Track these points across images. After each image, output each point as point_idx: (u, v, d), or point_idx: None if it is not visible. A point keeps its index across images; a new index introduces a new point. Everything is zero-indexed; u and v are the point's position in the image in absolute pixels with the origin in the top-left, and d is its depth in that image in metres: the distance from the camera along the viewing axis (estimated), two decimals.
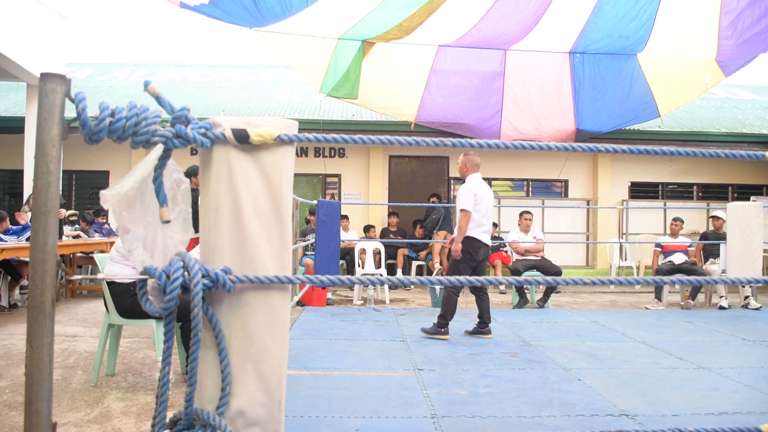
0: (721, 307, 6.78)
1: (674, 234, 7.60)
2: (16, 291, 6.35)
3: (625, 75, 7.98)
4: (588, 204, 10.53)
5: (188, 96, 10.85)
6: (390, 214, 9.60)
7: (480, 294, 4.97)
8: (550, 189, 10.78)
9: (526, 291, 7.02)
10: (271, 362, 1.49)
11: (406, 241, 8.60)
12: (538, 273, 6.94)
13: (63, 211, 6.21)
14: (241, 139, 1.45)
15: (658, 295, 7.11)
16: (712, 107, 11.42)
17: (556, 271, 6.89)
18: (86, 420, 2.81)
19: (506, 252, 9.03)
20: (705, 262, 7.67)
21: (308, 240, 6.96)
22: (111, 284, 3.39)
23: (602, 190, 10.45)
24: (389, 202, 10.03)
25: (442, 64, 7.86)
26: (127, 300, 3.37)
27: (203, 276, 1.43)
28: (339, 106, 9.57)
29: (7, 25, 6.75)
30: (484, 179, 10.65)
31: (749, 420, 2.85)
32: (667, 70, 7.84)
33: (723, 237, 6.79)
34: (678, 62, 7.70)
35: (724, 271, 6.64)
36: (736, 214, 5.83)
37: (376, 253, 8.08)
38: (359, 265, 7.82)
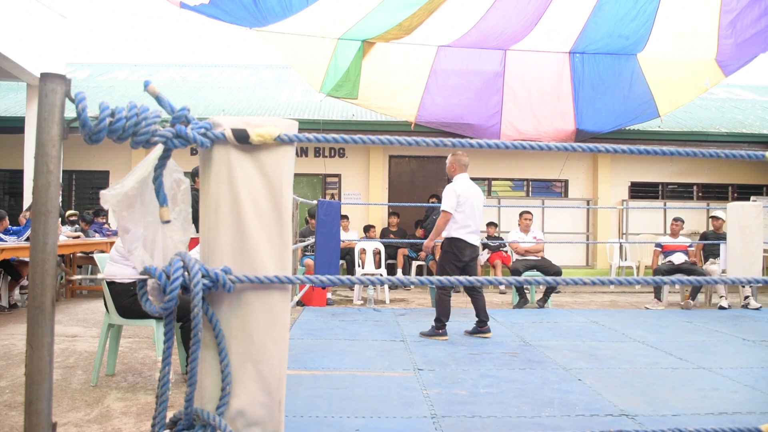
0: (721, 307, 6.78)
1: (674, 234, 7.60)
2: (16, 291, 6.35)
3: (625, 75, 7.98)
4: (588, 204, 10.53)
5: (188, 96, 10.85)
6: (390, 214, 9.60)
7: (474, 294, 4.97)
8: (550, 189, 10.78)
9: (526, 291, 7.02)
10: (271, 362, 1.49)
11: (406, 241, 8.60)
12: (538, 273, 6.94)
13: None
14: (241, 139, 1.45)
15: (658, 295, 7.12)
16: (712, 107, 11.42)
17: (556, 271, 6.89)
18: (86, 420, 2.81)
19: (506, 252, 9.03)
20: (705, 262, 7.67)
21: (308, 240, 6.96)
22: (111, 284, 3.39)
23: (602, 190, 10.45)
24: (389, 202, 10.03)
25: (442, 64, 7.86)
26: (127, 300, 3.37)
27: (203, 276, 1.43)
28: (339, 106, 9.57)
29: (7, 25, 6.75)
30: (485, 179, 10.60)
31: (749, 420, 2.85)
32: (667, 70, 7.85)
33: (723, 237, 6.79)
34: (678, 62, 7.70)
35: (724, 271, 6.64)
36: (736, 214, 5.83)
37: (376, 253, 8.08)
38: (359, 265, 7.82)
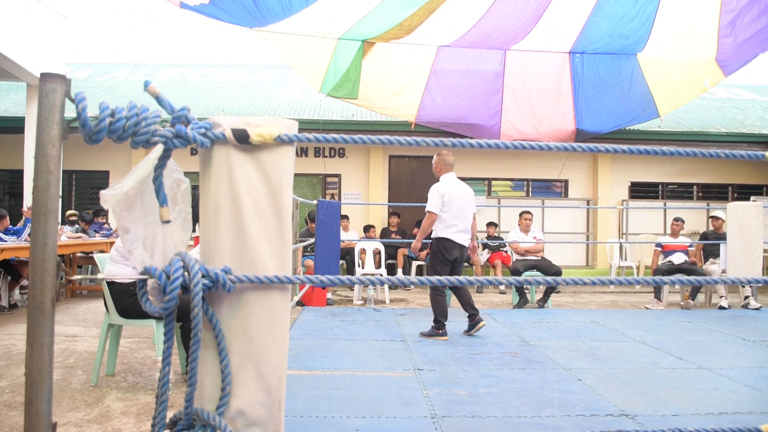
0: (721, 307, 6.78)
1: (674, 234, 7.61)
2: (16, 291, 6.35)
3: (625, 75, 7.98)
4: (588, 204, 10.53)
5: (188, 96, 10.85)
6: (391, 214, 9.60)
7: (457, 290, 4.97)
8: (550, 189, 10.78)
9: (526, 291, 7.02)
10: (271, 362, 1.49)
11: (406, 241, 8.60)
12: (538, 273, 6.94)
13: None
14: (241, 139, 1.45)
15: (658, 295, 7.12)
16: (712, 107, 11.42)
17: (556, 271, 6.89)
18: (86, 420, 2.81)
19: (506, 252, 9.03)
20: (705, 262, 7.67)
21: (307, 240, 6.96)
22: (111, 284, 3.39)
23: (602, 190, 10.45)
24: (389, 202, 10.03)
25: (442, 64, 7.86)
26: (127, 300, 3.37)
27: (203, 276, 1.43)
28: (339, 106, 9.58)
29: (7, 25, 6.75)
30: (485, 179, 10.60)
31: (749, 420, 2.85)
32: (667, 70, 7.85)
33: (723, 237, 6.79)
34: (678, 62, 7.70)
35: (724, 271, 6.64)
36: (736, 214, 5.83)
37: (376, 253, 8.08)
38: (359, 265, 7.82)
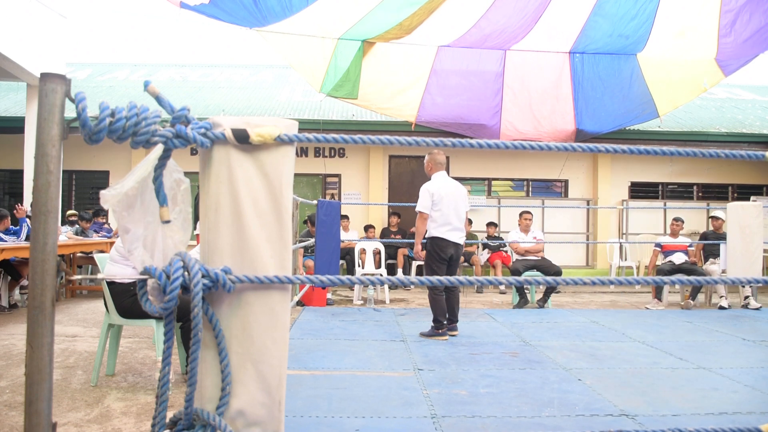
0: (721, 307, 6.78)
1: (674, 234, 7.60)
2: (16, 291, 6.35)
3: (625, 75, 7.98)
4: (588, 204, 10.53)
5: (188, 96, 10.85)
6: (391, 214, 9.60)
7: (447, 293, 4.96)
8: (550, 189, 10.78)
9: (526, 291, 7.02)
10: (271, 362, 1.49)
11: (406, 241, 8.60)
12: (538, 273, 6.94)
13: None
14: (241, 139, 1.45)
15: (658, 295, 7.12)
16: (712, 107, 11.42)
17: (556, 271, 6.89)
18: (86, 420, 2.81)
19: (506, 252, 9.03)
20: (705, 262, 7.67)
21: (307, 241, 6.96)
22: (111, 284, 3.39)
23: (602, 190, 10.45)
24: (389, 202, 10.03)
25: (442, 64, 7.87)
26: (127, 300, 3.37)
27: (203, 276, 1.43)
28: (339, 106, 9.58)
29: (7, 25, 6.75)
30: (485, 179, 10.59)
31: (749, 420, 2.85)
32: (667, 70, 7.85)
33: (723, 237, 6.79)
34: (677, 62, 7.70)
35: (724, 271, 6.64)
36: (736, 214, 5.83)
37: (376, 253, 8.08)
38: (359, 265, 7.82)
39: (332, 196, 10.17)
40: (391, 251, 9.07)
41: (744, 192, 10.68)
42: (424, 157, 5.25)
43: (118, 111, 1.37)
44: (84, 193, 10.41)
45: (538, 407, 3.00)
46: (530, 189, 10.73)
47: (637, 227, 10.52)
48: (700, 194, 10.85)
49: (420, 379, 3.53)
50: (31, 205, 6.53)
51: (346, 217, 8.74)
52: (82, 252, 7.45)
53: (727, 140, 9.64)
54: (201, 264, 1.45)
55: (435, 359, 4.06)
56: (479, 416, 2.85)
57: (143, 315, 3.24)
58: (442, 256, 4.84)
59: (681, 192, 10.92)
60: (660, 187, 10.83)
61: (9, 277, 6.11)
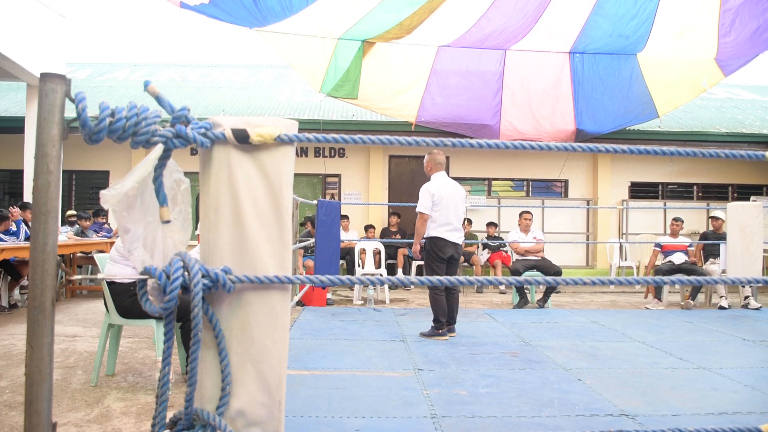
0: (721, 307, 6.78)
1: (674, 234, 7.61)
2: (16, 291, 6.35)
3: (625, 75, 7.98)
4: (588, 204, 10.53)
5: (188, 96, 10.85)
6: (391, 214, 9.60)
7: (448, 294, 4.96)
8: (550, 189, 10.78)
9: (526, 291, 7.02)
10: (271, 362, 1.49)
11: (406, 241, 8.60)
12: (538, 273, 6.94)
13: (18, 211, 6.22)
14: (241, 139, 1.45)
15: (658, 295, 7.12)
16: (712, 107, 11.42)
17: (556, 271, 6.89)
18: (86, 420, 2.81)
19: (506, 252, 9.03)
20: (705, 262, 7.67)
21: (307, 241, 6.96)
22: (111, 284, 3.39)
23: (602, 190, 10.45)
24: (389, 202, 10.03)
25: (442, 64, 7.87)
26: (127, 300, 3.37)
27: (203, 276, 1.43)
28: (339, 106, 9.58)
29: (7, 25, 6.75)
30: (485, 179, 10.59)
31: (749, 420, 2.85)
32: (667, 70, 7.85)
33: (723, 237, 6.79)
34: (677, 62, 7.70)
35: (724, 271, 6.64)
36: (736, 214, 5.83)
37: (376, 253, 8.08)
38: (359, 265, 7.82)
39: (332, 196, 10.17)
40: (391, 251, 9.07)
41: (744, 192, 10.68)
42: (424, 157, 5.25)
43: (118, 111, 1.37)
44: (84, 193, 10.41)
45: (538, 407, 3.00)
46: (530, 189, 10.73)
47: (637, 227, 10.52)
48: (700, 194, 10.85)
49: (420, 379, 3.53)
50: (19, 206, 6.53)
51: (346, 217, 8.75)
52: (82, 252, 7.45)
53: (727, 140, 9.64)
54: (201, 264, 1.45)
55: (435, 359, 4.06)
56: (479, 416, 2.85)
57: (143, 315, 3.24)
58: (441, 256, 4.85)
59: (681, 192, 10.92)
60: (660, 187, 10.83)
61: (9, 277, 6.12)
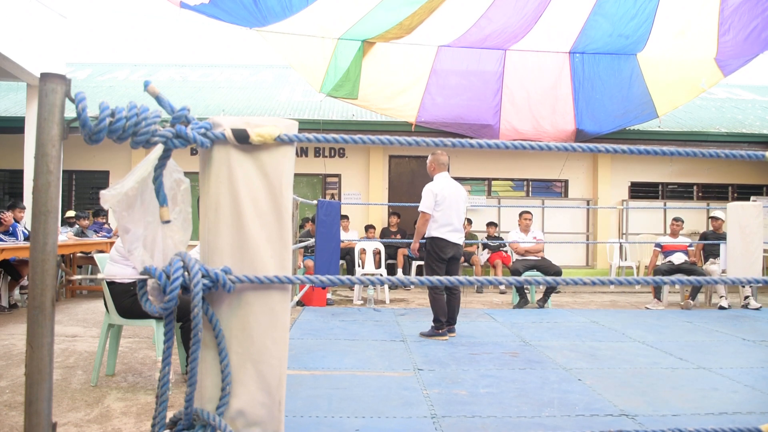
0: (721, 307, 6.78)
1: (674, 234, 7.61)
2: (16, 291, 6.35)
3: (625, 75, 7.98)
4: (588, 204, 10.53)
5: (188, 96, 10.85)
6: (391, 214, 9.60)
7: (449, 294, 4.97)
8: (550, 189, 10.78)
9: (526, 291, 7.02)
10: (271, 362, 1.49)
11: (406, 241, 8.60)
12: (538, 273, 6.94)
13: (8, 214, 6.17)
14: (241, 139, 1.45)
15: (658, 295, 7.12)
16: (712, 107, 11.42)
17: (556, 271, 6.89)
18: (86, 420, 2.81)
19: (506, 252, 9.03)
20: (705, 262, 7.67)
21: (307, 241, 6.96)
22: (111, 284, 3.39)
23: (602, 190, 10.45)
24: (389, 202, 10.03)
25: (442, 64, 7.87)
26: (127, 300, 3.37)
27: (203, 276, 1.43)
28: (339, 106, 9.58)
29: (7, 25, 6.74)
30: (485, 179, 10.60)
31: (749, 420, 2.85)
32: (666, 70, 7.84)
33: (723, 237, 6.79)
34: (677, 62, 7.70)
35: (724, 271, 6.64)
36: (736, 214, 5.83)
37: (376, 253, 8.08)
38: (359, 265, 7.82)
39: (332, 196, 10.17)
40: (391, 251, 9.07)
41: (744, 192, 10.68)
42: (424, 157, 5.27)
43: (118, 111, 1.37)
44: (84, 193, 10.41)
45: (538, 407, 3.00)
46: (530, 189, 10.73)
47: (637, 227, 10.52)
48: (700, 194, 10.85)
49: (420, 379, 3.53)
50: (9, 206, 6.51)
51: (346, 217, 8.75)
52: (82, 252, 7.45)
53: (727, 140, 9.64)
54: (201, 264, 1.45)
55: (435, 359, 4.06)
56: (479, 416, 2.85)
57: (143, 315, 3.24)
58: (442, 256, 4.86)
59: (681, 192, 10.92)
60: (660, 187, 10.83)
61: (9, 277, 6.11)
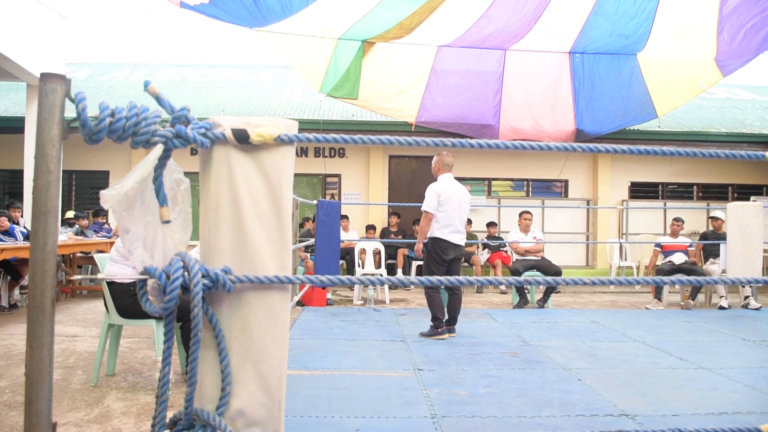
0: (721, 307, 6.78)
1: (674, 234, 7.61)
2: (16, 291, 6.35)
3: (625, 75, 7.98)
4: (588, 204, 10.53)
5: (188, 96, 10.85)
6: (391, 214, 9.60)
7: (452, 294, 4.97)
8: (550, 189, 10.78)
9: (526, 291, 7.02)
10: (271, 362, 1.49)
11: (407, 241, 8.61)
12: (538, 273, 6.94)
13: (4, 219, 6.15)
14: (241, 139, 1.45)
15: (658, 295, 7.12)
16: (712, 107, 11.42)
17: (556, 271, 6.89)
18: (86, 420, 2.81)
19: (506, 252, 9.03)
20: (705, 262, 7.67)
21: (307, 240, 6.96)
22: (111, 284, 3.39)
23: (602, 190, 10.45)
24: (389, 202, 10.03)
25: (442, 64, 7.87)
26: (127, 300, 3.37)
27: (203, 276, 1.43)
28: (339, 106, 9.58)
29: (7, 25, 6.74)
30: (485, 179, 10.61)
31: (749, 420, 2.85)
32: (666, 70, 7.84)
33: (723, 237, 6.79)
34: (677, 62, 7.70)
35: (724, 271, 6.64)
36: (736, 214, 5.83)
37: (376, 253, 8.08)
38: (359, 265, 7.82)
39: (332, 196, 10.17)
40: (391, 251, 9.07)
41: (744, 192, 10.68)
42: (424, 157, 5.28)
43: (118, 111, 1.37)
44: (84, 193, 10.41)
45: (538, 407, 3.00)
46: (530, 189, 10.73)
47: (637, 227, 10.52)
48: (700, 194, 10.85)
49: (420, 379, 3.53)
50: (6, 206, 6.49)
51: (346, 217, 8.75)
52: (82, 252, 7.45)
53: (727, 140, 9.64)
54: (201, 264, 1.45)
55: (435, 359, 4.06)
56: (479, 416, 2.85)
57: (143, 315, 3.24)
58: (443, 257, 4.86)
59: (681, 192, 10.92)
60: (660, 187, 10.83)
61: (9, 277, 6.11)
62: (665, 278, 1.93)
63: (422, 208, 4.93)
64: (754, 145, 9.79)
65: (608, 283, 1.83)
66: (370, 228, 9.35)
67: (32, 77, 7.49)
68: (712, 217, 7.76)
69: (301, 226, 8.32)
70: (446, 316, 4.89)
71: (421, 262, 8.98)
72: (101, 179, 10.14)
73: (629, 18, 6.97)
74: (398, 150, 10.21)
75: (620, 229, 10.59)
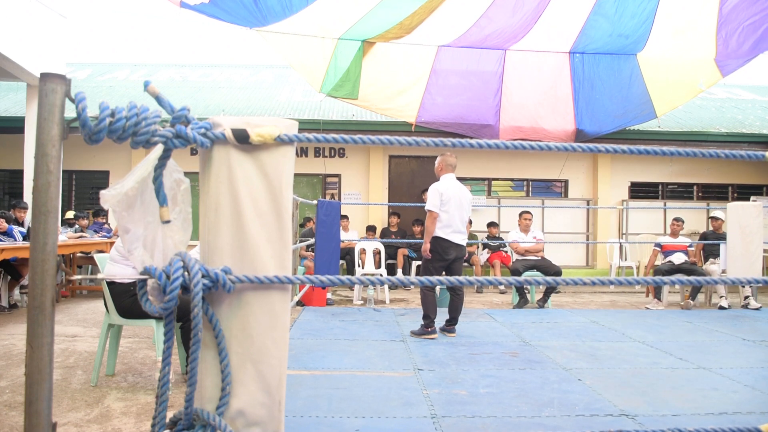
0: (721, 307, 6.78)
1: (674, 234, 7.61)
2: (16, 291, 6.35)
3: (624, 75, 7.98)
4: (588, 204, 10.53)
5: (188, 96, 10.85)
6: (391, 214, 9.60)
7: (454, 294, 4.97)
8: (550, 189, 10.78)
9: (526, 291, 7.02)
10: (271, 362, 1.49)
11: (406, 241, 8.60)
12: (538, 273, 6.94)
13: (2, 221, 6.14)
14: (241, 139, 1.45)
15: (658, 295, 7.12)
16: (712, 107, 11.42)
17: (556, 271, 6.89)
18: (86, 420, 2.81)
19: (506, 252, 9.03)
20: (705, 262, 7.67)
21: (308, 240, 6.97)
22: (111, 284, 3.39)
23: (602, 190, 10.45)
24: (389, 202, 10.03)
25: (442, 64, 7.86)
26: (127, 300, 3.37)
27: (203, 276, 1.43)
28: (339, 106, 9.58)
29: (7, 25, 6.74)
30: (485, 179, 10.61)
31: (749, 420, 2.85)
32: (666, 70, 7.84)
33: (723, 237, 6.79)
34: (677, 62, 7.69)
35: (724, 271, 6.64)
36: (736, 214, 5.83)
37: (376, 253, 8.08)
38: (359, 265, 7.82)
39: (332, 196, 10.17)
40: (391, 251, 9.07)
41: (744, 192, 10.68)
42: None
43: (118, 111, 1.37)
44: (84, 193, 10.41)
45: (538, 407, 3.00)
46: (530, 189, 10.73)
47: (637, 227, 10.52)
48: (700, 194, 10.85)
49: (420, 379, 3.53)
50: (11, 205, 6.48)
51: (346, 217, 8.74)
52: (82, 252, 7.45)
53: (727, 140, 9.64)
54: (201, 264, 1.45)
55: (435, 359, 4.06)
56: (479, 416, 2.85)
57: (143, 315, 3.24)
58: (444, 257, 4.86)
59: (681, 192, 10.92)
60: (660, 187, 10.83)
61: (9, 277, 6.11)
62: (665, 278, 1.93)
63: (426, 208, 4.94)
64: (754, 145, 9.79)
65: (608, 283, 1.83)
66: (370, 229, 9.35)
67: (32, 77, 7.49)
68: (712, 217, 7.76)
69: (302, 225, 8.32)
70: (437, 316, 4.90)
71: (421, 262, 9.00)
72: (101, 179, 10.14)
73: (629, 18, 6.97)
74: (398, 150, 10.21)
75: (620, 229, 10.59)
